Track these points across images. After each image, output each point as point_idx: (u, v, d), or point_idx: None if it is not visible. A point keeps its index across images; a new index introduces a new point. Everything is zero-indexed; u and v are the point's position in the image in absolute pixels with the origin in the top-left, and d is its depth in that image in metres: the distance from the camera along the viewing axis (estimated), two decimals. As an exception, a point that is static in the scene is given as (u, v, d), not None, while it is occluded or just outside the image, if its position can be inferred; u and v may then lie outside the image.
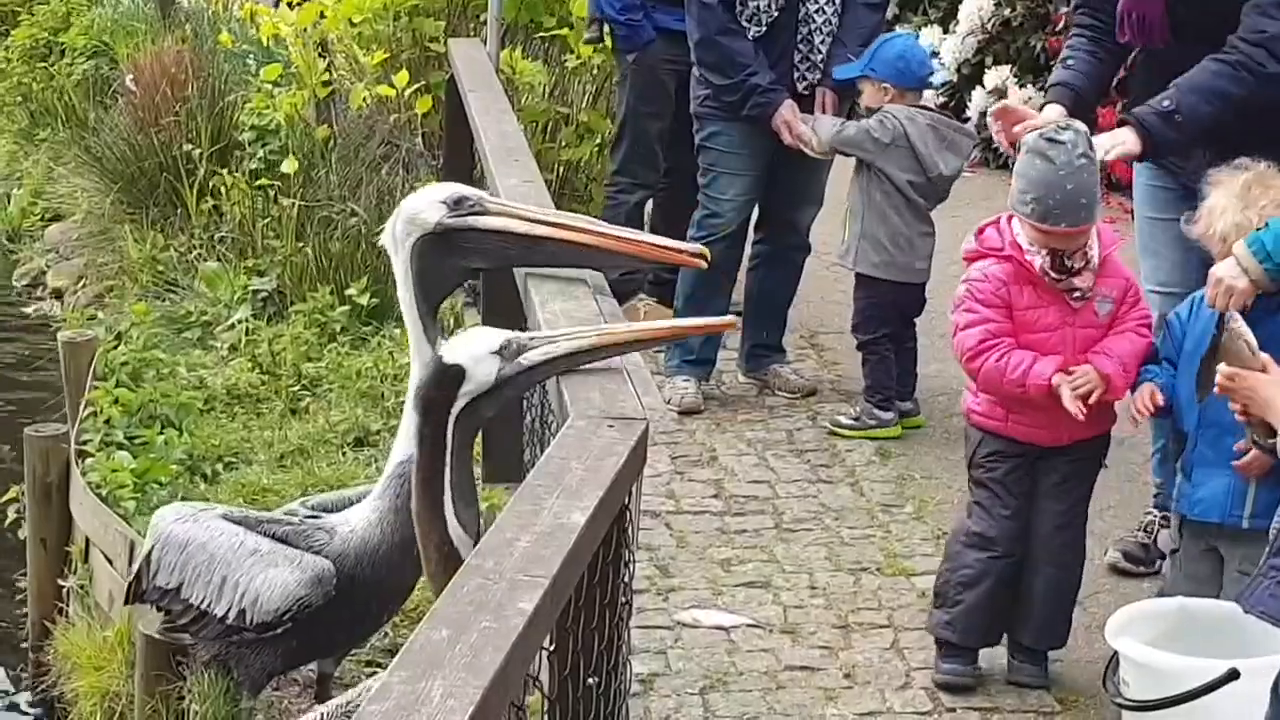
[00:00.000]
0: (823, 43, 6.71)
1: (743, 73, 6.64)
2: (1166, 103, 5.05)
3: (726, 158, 6.83)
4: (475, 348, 3.81)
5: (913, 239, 6.58)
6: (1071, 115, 5.37)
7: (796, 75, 6.73)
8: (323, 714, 4.36)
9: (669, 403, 6.89)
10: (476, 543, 3.81)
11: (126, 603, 5.27)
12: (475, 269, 4.70)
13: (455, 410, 3.77)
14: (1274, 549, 3.74)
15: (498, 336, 3.85)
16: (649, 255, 4.46)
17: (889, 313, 6.70)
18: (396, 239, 4.38)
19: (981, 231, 4.96)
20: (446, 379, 3.77)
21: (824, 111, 6.74)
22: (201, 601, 4.79)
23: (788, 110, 6.64)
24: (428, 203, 4.36)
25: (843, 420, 6.71)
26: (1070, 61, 5.45)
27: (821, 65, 6.73)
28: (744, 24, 6.64)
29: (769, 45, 6.67)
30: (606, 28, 7.67)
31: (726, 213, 6.87)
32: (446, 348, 3.86)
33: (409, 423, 4.48)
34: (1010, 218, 4.87)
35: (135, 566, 5.04)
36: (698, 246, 4.59)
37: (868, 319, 6.69)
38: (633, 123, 7.61)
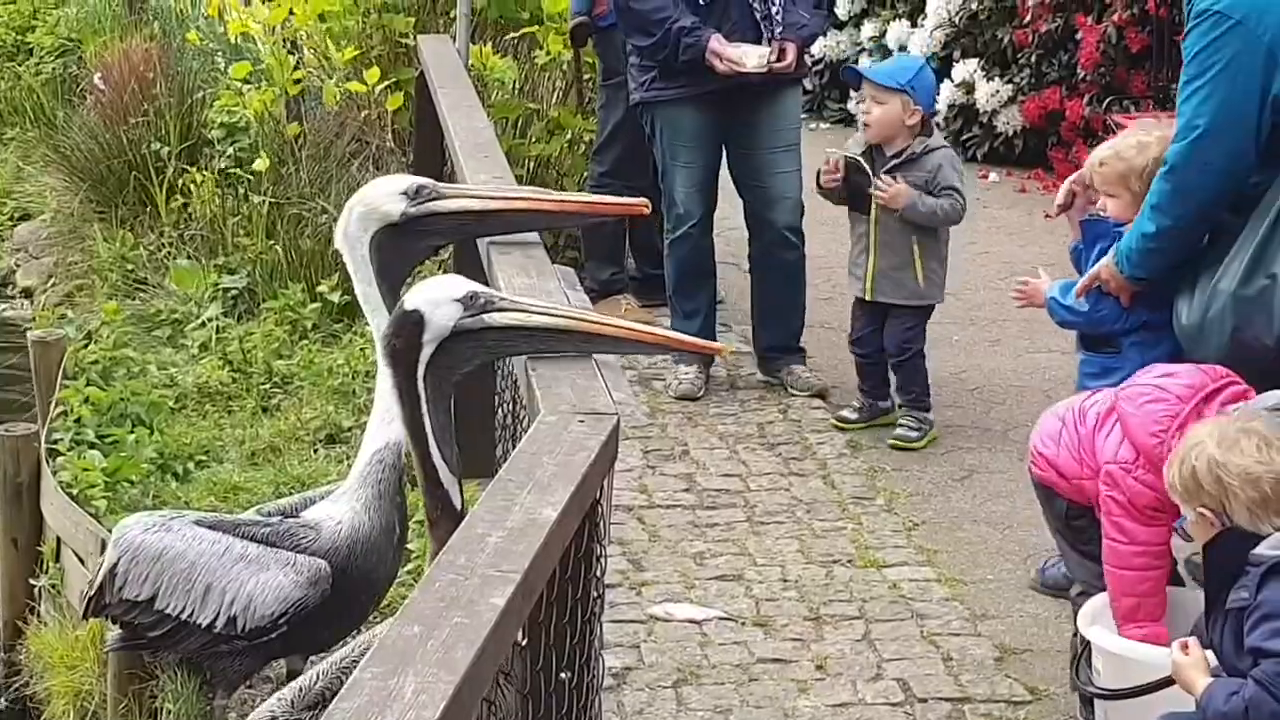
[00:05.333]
0: None
1: (665, 22, 6.72)
2: None
3: (676, 150, 6.96)
4: (435, 293, 3.76)
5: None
6: None
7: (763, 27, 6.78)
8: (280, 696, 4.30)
9: (668, 387, 7.01)
10: (460, 481, 3.83)
11: (85, 616, 5.16)
12: (436, 247, 4.82)
13: (424, 359, 3.74)
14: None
15: (464, 285, 3.80)
16: (596, 211, 5.17)
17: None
18: (350, 236, 4.40)
19: None
20: (406, 325, 3.75)
21: (784, 60, 6.71)
22: (180, 611, 4.68)
23: (714, 41, 6.69)
24: (385, 195, 4.40)
25: (909, 434, 6.60)
26: None
27: (778, 18, 6.76)
28: None
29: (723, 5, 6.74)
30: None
31: (685, 204, 7.00)
32: (409, 294, 3.82)
33: (380, 412, 4.49)
34: None
35: (97, 580, 4.87)
36: (640, 200, 4.79)
37: (917, 335, 6.65)
38: (633, 125, 7.57)
